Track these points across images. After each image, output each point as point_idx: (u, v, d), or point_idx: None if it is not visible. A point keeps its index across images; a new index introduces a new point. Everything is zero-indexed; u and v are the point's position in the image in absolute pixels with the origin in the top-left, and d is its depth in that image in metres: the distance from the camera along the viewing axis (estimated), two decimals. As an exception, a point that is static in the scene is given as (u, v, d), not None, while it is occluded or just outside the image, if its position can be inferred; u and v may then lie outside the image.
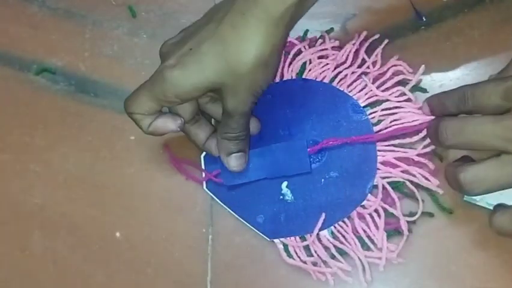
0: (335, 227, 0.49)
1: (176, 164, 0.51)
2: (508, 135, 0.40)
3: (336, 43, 0.52)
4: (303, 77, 0.51)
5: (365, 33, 0.51)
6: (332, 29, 0.53)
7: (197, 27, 0.44)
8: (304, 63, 0.52)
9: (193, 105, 0.47)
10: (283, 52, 0.51)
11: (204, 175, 0.50)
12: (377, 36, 0.51)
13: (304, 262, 0.49)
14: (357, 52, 0.51)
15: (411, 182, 0.49)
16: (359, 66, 0.51)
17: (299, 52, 0.52)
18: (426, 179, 0.48)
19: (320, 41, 0.52)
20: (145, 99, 0.44)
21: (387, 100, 0.50)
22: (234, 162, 0.48)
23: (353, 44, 0.51)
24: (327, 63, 0.51)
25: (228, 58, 0.41)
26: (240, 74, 0.42)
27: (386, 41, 0.51)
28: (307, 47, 0.52)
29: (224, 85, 0.43)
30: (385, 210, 0.48)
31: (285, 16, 0.41)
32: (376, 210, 0.48)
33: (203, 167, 0.50)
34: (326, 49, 0.52)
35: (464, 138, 0.42)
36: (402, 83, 0.50)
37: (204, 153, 0.50)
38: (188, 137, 0.49)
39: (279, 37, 0.42)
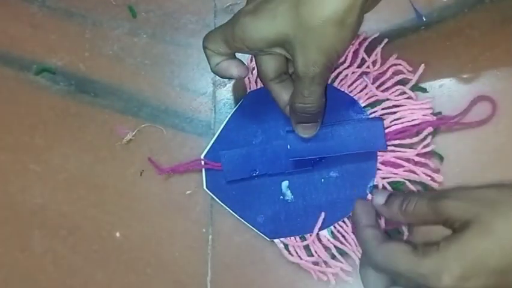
0: (334, 227, 0.49)
1: (166, 170, 0.51)
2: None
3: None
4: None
5: (364, 33, 0.51)
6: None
7: None
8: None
9: (277, 62, 0.44)
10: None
11: (203, 174, 0.50)
12: (376, 35, 0.51)
13: (306, 261, 0.49)
14: (356, 52, 0.51)
15: (412, 182, 0.49)
16: (359, 66, 0.51)
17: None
18: (429, 176, 0.48)
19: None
20: (218, 38, 0.42)
21: (388, 99, 0.50)
22: (302, 130, 0.46)
23: (352, 44, 0.51)
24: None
25: (301, 9, 0.38)
26: (311, 27, 0.38)
27: (385, 40, 0.51)
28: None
29: (294, 39, 0.39)
30: (385, 210, 0.48)
31: None
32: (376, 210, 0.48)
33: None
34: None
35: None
36: (402, 82, 0.50)
37: (205, 152, 0.50)
38: (272, 96, 0.45)
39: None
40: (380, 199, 0.44)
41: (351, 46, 0.51)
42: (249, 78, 0.52)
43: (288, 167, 0.49)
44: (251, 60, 0.51)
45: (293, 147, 0.48)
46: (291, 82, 0.45)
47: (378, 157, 0.49)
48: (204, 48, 0.44)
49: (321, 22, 0.38)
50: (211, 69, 0.44)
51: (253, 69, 0.51)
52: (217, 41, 0.43)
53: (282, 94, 0.45)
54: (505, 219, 0.37)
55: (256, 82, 0.51)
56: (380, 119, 0.49)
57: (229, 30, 0.41)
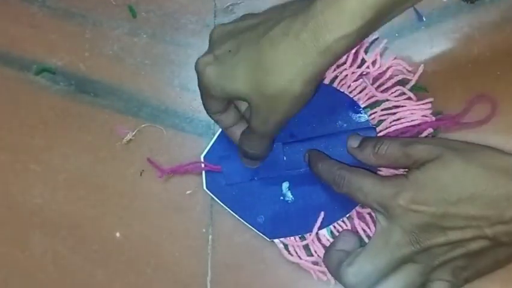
0: (334, 227, 0.49)
1: (166, 171, 0.51)
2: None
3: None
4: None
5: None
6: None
7: (247, 26, 0.42)
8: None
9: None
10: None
11: (203, 174, 0.50)
12: (376, 37, 0.51)
13: (306, 261, 0.49)
14: (356, 52, 0.51)
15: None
16: (359, 67, 0.51)
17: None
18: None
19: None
20: (204, 100, 0.45)
21: (387, 100, 0.50)
22: (246, 162, 0.48)
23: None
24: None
25: (258, 76, 0.39)
26: (266, 95, 0.39)
27: (385, 41, 0.51)
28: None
29: (251, 101, 0.41)
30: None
31: (335, 47, 0.37)
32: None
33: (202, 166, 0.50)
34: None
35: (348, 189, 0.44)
36: (402, 82, 0.50)
37: (204, 153, 0.50)
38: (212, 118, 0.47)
39: (320, 69, 0.38)
40: (353, 143, 0.46)
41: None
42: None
43: (285, 171, 0.49)
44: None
45: (289, 159, 0.49)
46: (233, 107, 0.47)
47: (378, 157, 0.49)
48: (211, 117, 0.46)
49: (276, 93, 0.39)
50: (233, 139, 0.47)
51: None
52: (207, 103, 0.45)
53: (225, 121, 0.47)
54: (464, 159, 0.41)
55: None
56: (374, 128, 0.49)
57: (198, 82, 0.43)
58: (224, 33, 0.43)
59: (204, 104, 0.46)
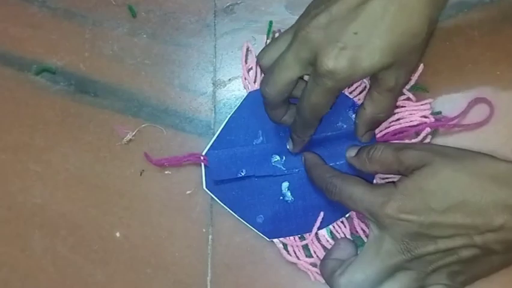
0: (333, 227, 0.49)
1: (163, 162, 0.51)
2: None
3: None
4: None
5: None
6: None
7: (351, 5, 0.40)
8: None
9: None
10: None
11: (203, 174, 0.50)
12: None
13: (304, 262, 0.49)
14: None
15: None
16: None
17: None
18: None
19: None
20: (322, 98, 0.42)
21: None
22: (366, 138, 0.48)
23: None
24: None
25: (401, 37, 0.40)
26: (412, 49, 0.41)
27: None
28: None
29: (394, 63, 0.41)
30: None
31: None
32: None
33: (203, 166, 0.50)
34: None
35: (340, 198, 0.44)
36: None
37: (204, 152, 0.50)
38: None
39: (442, 5, 0.42)
40: (351, 152, 0.47)
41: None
42: (247, 79, 0.52)
43: (278, 170, 0.49)
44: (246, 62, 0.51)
45: (288, 158, 0.49)
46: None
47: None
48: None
49: (423, 39, 0.41)
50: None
51: (250, 69, 0.51)
52: (324, 105, 0.43)
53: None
54: (453, 167, 0.41)
55: (255, 82, 0.51)
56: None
57: (327, 87, 0.41)
58: (325, 25, 0.41)
59: (319, 105, 0.43)
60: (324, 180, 0.46)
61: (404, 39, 0.40)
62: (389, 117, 0.47)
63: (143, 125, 0.52)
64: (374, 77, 0.43)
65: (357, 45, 0.40)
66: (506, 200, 0.39)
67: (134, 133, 0.52)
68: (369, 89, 0.45)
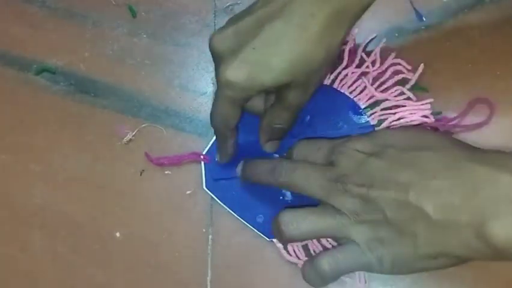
0: (334, 227, 0.49)
1: (163, 161, 0.51)
2: (327, 186, 0.42)
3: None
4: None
5: (356, 30, 0.51)
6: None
7: (257, 22, 0.42)
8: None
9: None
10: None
11: (203, 173, 0.50)
12: (374, 36, 0.51)
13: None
14: (354, 52, 0.51)
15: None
16: (358, 66, 0.51)
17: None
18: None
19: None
20: (226, 111, 0.44)
21: (387, 100, 0.50)
22: (269, 147, 0.48)
23: (346, 44, 0.51)
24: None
25: (299, 57, 0.41)
26: (311, 70, 0.42)
27: (384, 40, 0.51)
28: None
29: (291, 82, 0.42)
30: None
31: (353, 8, 0.41)
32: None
33: (203, 166, 0.50)
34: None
35: (293, 180, 0.44)
36: (402, 82, 0.50)
37: (204, 152, 0.50)
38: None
39: (345, 32, 0.42)
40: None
41: (345, 46, 0.51)
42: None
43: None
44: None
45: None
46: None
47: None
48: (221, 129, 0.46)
49: (321, 64, 0.42)
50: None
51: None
52: (231, 115, 0.44)
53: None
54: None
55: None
56: (372, 127, 0.49)
57: (227, 93, 0.43)
58: (231, 38, 0.43)
59: (226, 119, 0.45)
60: (269, 169, 0.45)
61: (300, 62, 0.41)
62: (288, 129, 0.47)
63: (143, 125, 0.52)
64: (276, 92, 0.44)
65: (256, 61, 0.41)
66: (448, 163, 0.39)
67: (134, 133, 0.52)
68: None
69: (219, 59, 0.43)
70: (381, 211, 0.40)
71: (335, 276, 0.43)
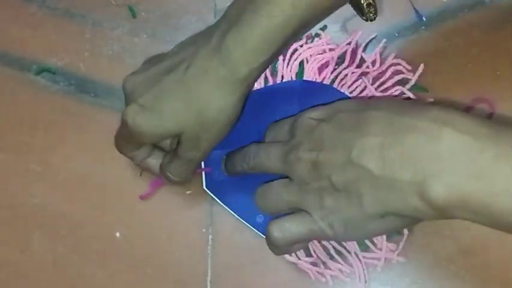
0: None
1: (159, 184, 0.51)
2: (284, 158, 0.43)
3: (333, 45, 0.52)
4: (303, 78, 0.51)
5: (360, 33, 0.51)
6: (325, 27, 0.52)
7: (162, 69, 0.44)
8: (302, 62, 0.52)
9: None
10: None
11: (203, 174, 0.50)
12: (374, 36, 0.51)
13: (304, 261, 0.49)
14: (354, 52, 0.51)
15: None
16: (358, 66, 0.51)
17: (295, 51, 0.52)
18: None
19: (316, 39, 0.52)
20: (122, 142, 0.47)
21: (387, 100, 0.50)
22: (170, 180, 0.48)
23: (349, 44, 0.51)
24: (326, 61, 0.51)
25: (190, 111, 0.42)
26: (200, 126, 0.43)
27: (384, 40, 0.51)
28: (304, 46, 0.52)
29: (184, 134, 0.44)
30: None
31: (249, 77, 0.42)
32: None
33: (203, 165, 0.50)
34: (323, 48, 0.52)
35: (258, 161, 0.45)
36: (402, 82, 0.50)
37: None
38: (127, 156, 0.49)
39: (242, 93, 0.43)
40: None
41: (348, 46, 0.51)
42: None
43: None
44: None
45: None
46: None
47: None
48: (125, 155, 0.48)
49: (211, 122, 0.43)
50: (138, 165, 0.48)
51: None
52: (122, 145, 0.47)
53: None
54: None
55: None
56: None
57: (124, 131, 0.45)
58: (138, 82, 0.45)
59: (121, 147, 0.48)
60: (239, 156, 0.47)
61: (190, 115, 0.43)
62: (183, 182, 0.47)
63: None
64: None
65: (154, 108, 0.43)
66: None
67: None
68: None
69: (126, 99, 0.45)
70: (328, 176, 0.40)
71: (288, 243, 0.43)
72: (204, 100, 0.42)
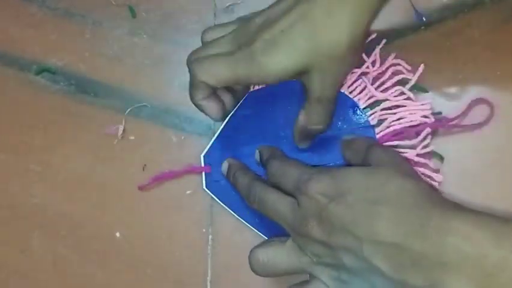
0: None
1: (163, 177, 0.51)
2: (292, 225, 0.43)
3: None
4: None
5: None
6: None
7: (282, 9, 0.43)
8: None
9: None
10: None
11: (203, 174, 0.50)
12: (373, 36, 0.51)
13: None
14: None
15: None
16: (358, 66, 0.51)
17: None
18: (428, 176, 0.48)
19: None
20: (223, 74, 0.44)
21: (387, 100, 0.50)
22: (303, 145, 0.48)
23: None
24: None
25: (323, 41, 0.41)
26: (333, 56, 0.42)
27: (384, 41, 0.51)
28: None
29: (315, 68, 0.42)
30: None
31: (376, 4, 0.41)
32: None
33: (202, 165, 0.50)
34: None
35: (264, 210, 0.44)
36: (402, 82, 0.50)
37: (204, 152, 0.50)
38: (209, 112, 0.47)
39: (369, 20, 0.42)
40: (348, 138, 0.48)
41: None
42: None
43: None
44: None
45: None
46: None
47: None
48: (198, 81, 0.45)
49: (343, 51, 0.41)
50: (193, 99, 0.46)
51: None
52: (217, 76, 0.44)
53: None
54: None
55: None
56: (372, 127, 0.49)
57: (243, 70, 0.43)
58: (255, 26, 0.43)
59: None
60: (245, 187, 0.46)
61: (323, 45, 0.41)
62: (325, 129, 0.47)
63: (143, 125, 0.52)
64: (304, 85, 0.44)
65: (282, 42, 0.42)
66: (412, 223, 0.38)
67: (134, 133, 0.52)
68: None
69: (248, 42, 0.43)
70: (340, 258, 0.40)
71: None
72: (336, 29, 0.41)
